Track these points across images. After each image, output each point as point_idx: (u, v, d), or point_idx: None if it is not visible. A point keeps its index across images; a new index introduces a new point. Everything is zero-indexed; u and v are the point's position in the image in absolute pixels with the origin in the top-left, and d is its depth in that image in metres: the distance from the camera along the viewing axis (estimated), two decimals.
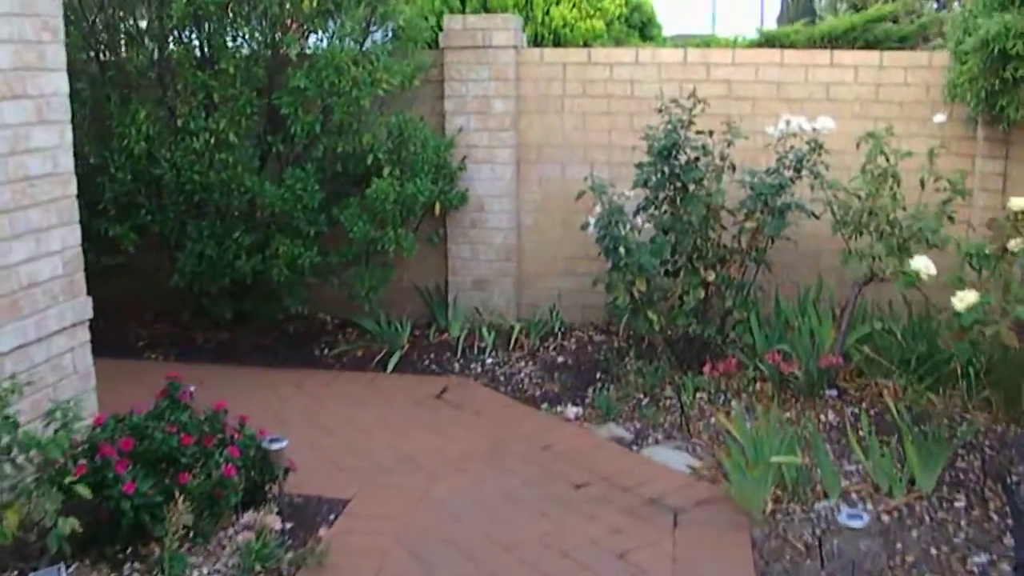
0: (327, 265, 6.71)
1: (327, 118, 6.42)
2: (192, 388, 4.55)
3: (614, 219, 5.90)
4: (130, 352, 7.22)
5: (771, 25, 17.54)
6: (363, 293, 6.70)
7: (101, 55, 6.82)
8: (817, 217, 6.10)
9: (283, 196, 6.32)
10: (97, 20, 6.75)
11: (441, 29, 7.15)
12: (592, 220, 6.00)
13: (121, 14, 6.77)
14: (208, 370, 6.68)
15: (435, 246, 7.40)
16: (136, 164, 6.60)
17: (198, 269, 6.65)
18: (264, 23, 6.42)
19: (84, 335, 4.93)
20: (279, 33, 6.43)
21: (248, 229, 6.57)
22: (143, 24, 6.79)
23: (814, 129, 5.90)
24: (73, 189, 4.70)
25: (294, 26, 6.33)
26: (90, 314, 4.93)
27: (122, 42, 6.77)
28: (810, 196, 6.12)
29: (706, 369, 5.80)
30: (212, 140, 6.41)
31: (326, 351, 7.10)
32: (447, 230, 7.40)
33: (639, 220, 6.19)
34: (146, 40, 6.72)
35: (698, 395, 5.94)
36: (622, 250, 5.80)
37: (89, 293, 4.88)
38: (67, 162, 4.69)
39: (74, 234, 4.72)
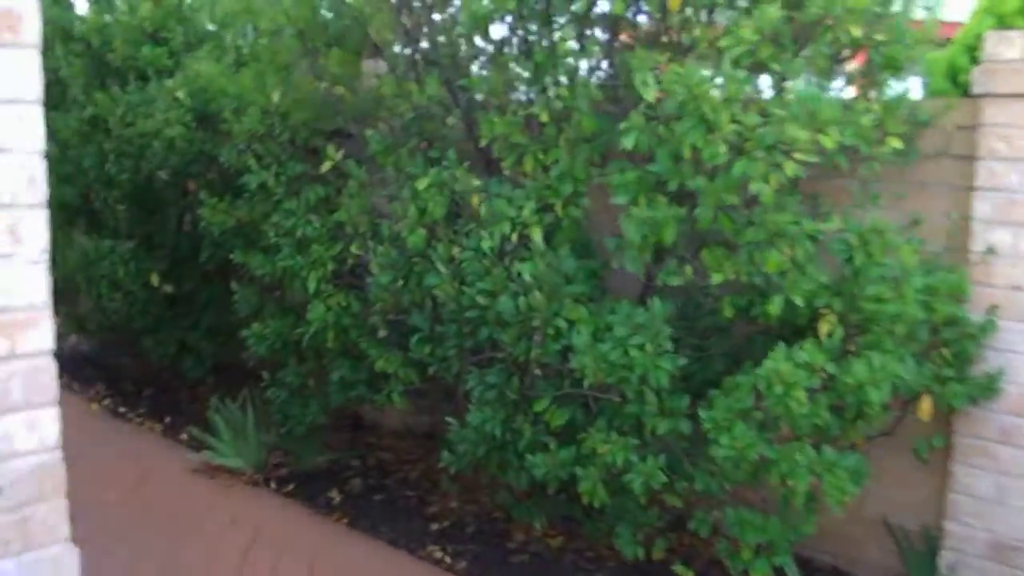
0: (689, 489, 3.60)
1: (690, 215, 3.31)
2: None
3: None
4: (414, 540, 4.64)
5: None
6: (748, 556, 3.47)
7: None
8: None
9: (605, 355, 3.33)
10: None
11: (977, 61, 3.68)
12: None
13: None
14: None
15: (925, 462, 3.93)
16: (409, 264, 4.03)
17: (478, 452, 3.90)
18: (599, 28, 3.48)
19: None
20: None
21: (559, 401, 3.68)
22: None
23: None
24: None
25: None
26: None
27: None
28: None
29: None
30: (514, 237, 3.63)
31: None
32: (953, 438, 3.88)
33: None
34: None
35: None
36: None
37: None
38: None
39: None
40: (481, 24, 3.58)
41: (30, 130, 2.37)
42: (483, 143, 3.80)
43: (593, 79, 3.59)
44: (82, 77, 5.56)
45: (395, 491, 5.22)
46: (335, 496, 5.07)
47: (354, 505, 5.00)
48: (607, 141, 3.61)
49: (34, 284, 2.42)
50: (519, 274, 3.60)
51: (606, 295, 3.75)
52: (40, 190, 2.40)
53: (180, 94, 5.07)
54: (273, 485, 5.20)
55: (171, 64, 5.32)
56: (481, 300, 3.69)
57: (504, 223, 3.65)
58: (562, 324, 3.52)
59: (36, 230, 2.41)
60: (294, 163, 4.63)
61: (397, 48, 4.23)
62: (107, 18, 5.48)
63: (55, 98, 5.78)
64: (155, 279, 5.65)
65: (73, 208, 5.88)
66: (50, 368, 2.46)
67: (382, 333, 4.26)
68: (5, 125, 2.34)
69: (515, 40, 3.65)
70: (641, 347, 3.27)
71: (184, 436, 5.70)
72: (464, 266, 3.78)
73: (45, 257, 2.43)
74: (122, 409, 6.23)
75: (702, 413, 3.27)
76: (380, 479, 5.36)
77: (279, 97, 4.52)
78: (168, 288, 5.77)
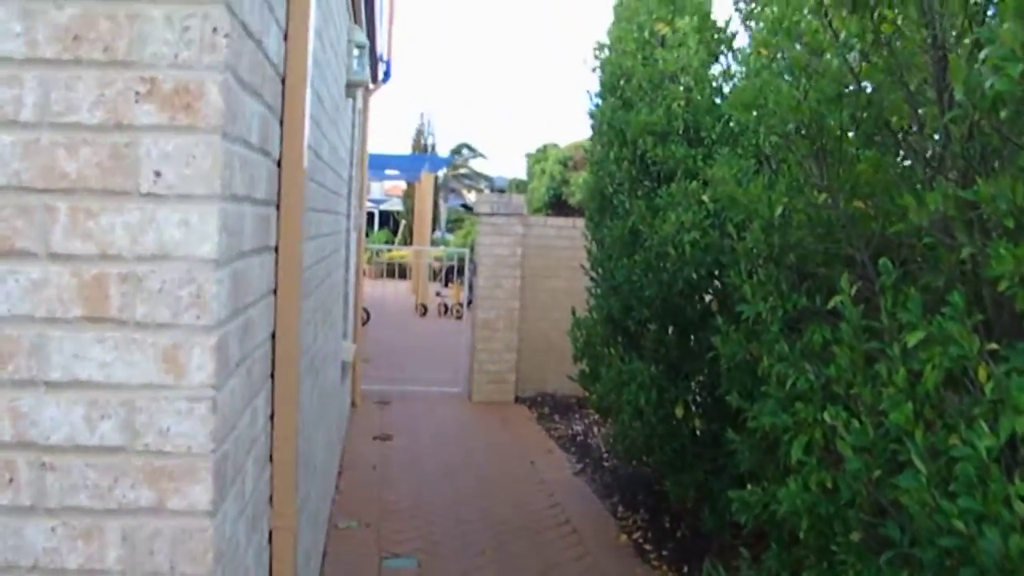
0: None
1: None
2: None
3: None
4: None
5: None
6: None
7: None
8: None
9: None
10: None
11: None
12: None
13: None
14: None
15: None
16: (888, 449, 2.85)
17: None
18: None
19: None
20: None
21: None
22: None
23: None
24: None
25: None
26: None
27: None
28: None
29: None
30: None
31: None
32: None
33: None
34: None
35: None
36: None
37: None
38: None
39: None
40: (990, 106, 2.34)
41: (199, 234, 1.86)
42: (1001, 287, 2.52)
43: None
44: (627, 182, 5.10)
45: None
46: None
47: None
48: None
49: (193, 426, 1.90)
50: (1019, 498, 2.28)
51: None
52: (209, 310, 1.87)
53: (705, 196, 4.36)
54: None
55: (704, 165, 4.62)
56: (960, 524, 2.41)
57: (1020, 416, 2.35)
58: None
59: (200, 360, 1.88)
60: (797, 294, 3.64)
61: (917, 140, 3.07)
62: (655, 116, 4.95)
63: (616, 206, 5.42)
64: (679, 410, 4.95)
65: (615, 322, 5.42)
66: (204, 533, 1.90)
67: (856, 536, 3.09)
68: (168, 226, 1.85)
69: None
70: None
71: None
72: (958, 468, 2.52)
73: (210, 394, 1.89)
74: (648, 547, 5.59)
75: None
76: None
77: (782, 211, 3.58)
78: (696, 423, 5.03)
